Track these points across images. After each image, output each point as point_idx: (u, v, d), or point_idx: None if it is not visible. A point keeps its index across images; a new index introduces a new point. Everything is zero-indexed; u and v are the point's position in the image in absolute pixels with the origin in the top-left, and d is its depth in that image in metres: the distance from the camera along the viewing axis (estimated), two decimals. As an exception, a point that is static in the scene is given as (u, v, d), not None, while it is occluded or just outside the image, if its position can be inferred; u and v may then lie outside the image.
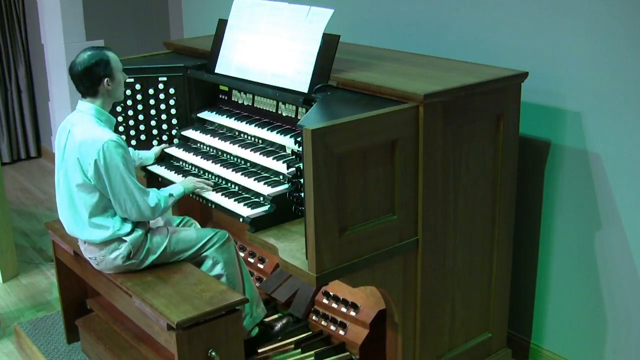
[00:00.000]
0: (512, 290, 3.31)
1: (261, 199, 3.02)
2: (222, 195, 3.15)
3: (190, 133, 3.62)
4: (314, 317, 3.43)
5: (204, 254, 3.14)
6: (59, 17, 5.63)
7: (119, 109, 3.60)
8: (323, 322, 3.36)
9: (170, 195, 3.07)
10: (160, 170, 3.53)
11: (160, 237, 3.06)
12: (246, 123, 3.44)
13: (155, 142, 3.71)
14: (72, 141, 2.93)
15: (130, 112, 3.65)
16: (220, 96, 3.72)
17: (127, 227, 2.97)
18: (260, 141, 3.33)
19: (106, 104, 3.01)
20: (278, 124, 3.35)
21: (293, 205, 2.77)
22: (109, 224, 2.95)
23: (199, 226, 3.41)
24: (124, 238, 2.96)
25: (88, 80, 2.94)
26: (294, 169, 2.77)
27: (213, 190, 3.19)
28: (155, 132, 3.70)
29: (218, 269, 3.12)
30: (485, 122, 2.91)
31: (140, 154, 3.54)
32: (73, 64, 2.96)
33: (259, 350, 3.30)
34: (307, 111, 2.85)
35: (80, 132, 2.91)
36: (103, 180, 2.88)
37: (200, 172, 3.38)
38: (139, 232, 2.99)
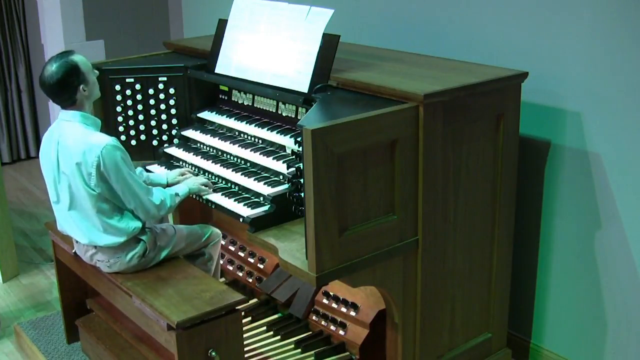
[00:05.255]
0: (512, 290, 3.31)
1: (261, 199, 3.02)
2: (222, 195, 3.15)
3: (190, 133, 3.62)
4: (314, 317, 3.42)
5: (203, 249, 3.28)
6: (59, 17, 5.63)
7: (119, 108, 3.60)
8: (323, 322, 3.36)
9: (176, 194, 3.10)
10: (160, 170, 3.52)
11: (168, 233, 3.13)
12: (246, 123, 3.44)
13: (155, 142, 3.71)
14: (65, 152, 2.90)
15: (130, 112, 3.65)
16: (220, 96, 3.72)
17: (139, 224, 2.99)
18: (260, 141, 3.33)
19: (87, 107, 2.98)
20: (278, 124, 3.34)
21: (293, 205, 2.77)
22: (123, 226, 2.96)
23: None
24: (140, 237, 3.01)
25: (63, 92, 2.89)
26: (294, 169, 2.77)
27: (213, 190, 3.20)
28: (155, 132, 3.70)
29: (210, 265, 3.30)
30: (485, 122, 2.91)
31: (151, 177, 3.34)
32: (43, 80, 2.88)
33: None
34: (307, 111, 2.85)
35: (72, 141, 2.88)
36: (108, 183, 2.88)
37: (200, 172, 3.38)
38: (150, 230, 3.06)
